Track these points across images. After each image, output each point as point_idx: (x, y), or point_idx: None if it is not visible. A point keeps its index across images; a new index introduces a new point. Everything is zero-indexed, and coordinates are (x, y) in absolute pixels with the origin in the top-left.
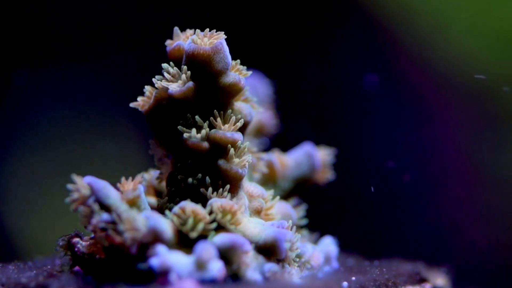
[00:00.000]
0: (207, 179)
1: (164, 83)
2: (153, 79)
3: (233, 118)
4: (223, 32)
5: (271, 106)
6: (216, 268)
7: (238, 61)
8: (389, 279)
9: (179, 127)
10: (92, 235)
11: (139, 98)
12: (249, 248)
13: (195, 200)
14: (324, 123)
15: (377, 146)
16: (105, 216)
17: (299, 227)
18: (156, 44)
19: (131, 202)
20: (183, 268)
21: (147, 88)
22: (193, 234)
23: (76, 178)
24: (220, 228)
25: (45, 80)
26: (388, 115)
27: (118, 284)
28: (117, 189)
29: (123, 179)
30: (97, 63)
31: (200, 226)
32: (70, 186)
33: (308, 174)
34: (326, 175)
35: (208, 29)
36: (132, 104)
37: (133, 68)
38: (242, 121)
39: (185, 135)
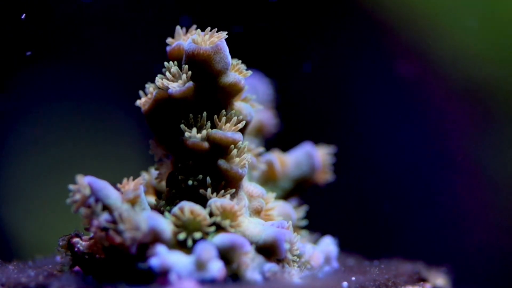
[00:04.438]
0: (208, 179)
1: (164, 82)
2: (156, 77)
3: (235, 118)
4: (226, 32)
5: (271, 106)
6: (216, 268)
7: (239, 61)
8: (389, 279)
9: (181, 126)
10: (92, 235)
11: (142, 97)
12: (249, 248)
13: (195, 200)
14: (324, 123)
15: (377, 146)
16: (105, 216)
17: (299, 227)
18: (157, 44)
19: (131, 202)
20: (183, 268)
21: (150, 86)
22: (189, 242)
23: (78, 178)
24: (220, 227)
25: (45, 80)
26: (389, 114)
27: (118, 284)
28: (117, 189)
29: (124, 180)
30: (97, 63)
31: (197, 235)
32: (71, 186)
33: (308, 174)
34: (326, 175)
35: (209, 28)
36: (137, 103)
37: (134, 67)
38: (243, 122)
39: (186, 134)
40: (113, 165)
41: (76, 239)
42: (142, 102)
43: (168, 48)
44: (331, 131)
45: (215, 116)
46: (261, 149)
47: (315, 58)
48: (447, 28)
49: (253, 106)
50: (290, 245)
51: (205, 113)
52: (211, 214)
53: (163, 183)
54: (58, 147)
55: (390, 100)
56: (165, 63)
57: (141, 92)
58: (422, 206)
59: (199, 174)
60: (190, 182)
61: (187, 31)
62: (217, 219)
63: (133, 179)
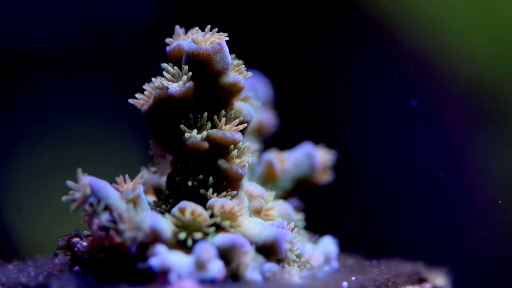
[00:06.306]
0: (210, 179)
1: (164, 82)
2: (153, 78)
3: (236, 120)
4: (226, 34)
5: (270, 106)
6: (216, 268)
7: (241, 61)
8: (389, 279)
9: (181, 126)
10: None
11: (138, 96)
12: (249, 248)
13: (195, 200)
14: (324, 123)
15: (377, 145)
16: (106, 216)
17: (299, 228)
18: (157, 44)
19: (132, 202)
20: (183, 268)
21: (147, 87)
22: (189, 242)
23: (79, 175)
24: (220, 228)
25: (45, 80)
26: (389, 114)
27: (118, 284)
28: (117, 189)
29: (120, 178)
30: (97, 63)
31: (198, 235)
32: (70, 184)
33: (308, 174)
34: (326, 175)
35: (209, 27)
36: (131, 100)
37: (133, 68)
38: (245, 125)
39: (186, 135)
40: (113, 165)
41: (76, 239)
42: (141, 102)
43: (168, 48)
44: (331, 131)
45: (215, 116)
46: (260, 148)
47: (315, 57)
48: (446, 28)
49: (252, 104)
50: (290, 245)
51: (205, 114)
52: (211, 215)
53: (163, 183)
54: (58, 147)
55: (390, 100)
56: (163, 64)
57: (138, 95)
58: (422, 206)
59: (199, 174)
60: (189, 183)
61: (186, 30)
62: (217, 219)
63: (131, 179)
